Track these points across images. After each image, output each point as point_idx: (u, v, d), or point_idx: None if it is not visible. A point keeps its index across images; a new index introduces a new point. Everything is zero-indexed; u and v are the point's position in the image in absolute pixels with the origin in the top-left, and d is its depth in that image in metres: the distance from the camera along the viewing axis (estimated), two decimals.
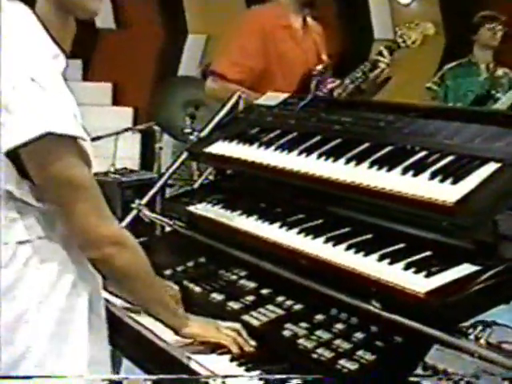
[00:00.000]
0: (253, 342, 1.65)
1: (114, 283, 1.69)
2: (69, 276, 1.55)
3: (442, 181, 1.61)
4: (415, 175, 1.67)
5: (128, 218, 2.43)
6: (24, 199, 1.50)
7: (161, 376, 1.45)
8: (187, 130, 4.33)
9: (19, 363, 1.49)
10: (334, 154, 1.91)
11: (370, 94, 3.01)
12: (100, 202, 1.52)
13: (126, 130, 4.93)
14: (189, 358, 1.62)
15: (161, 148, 4.86)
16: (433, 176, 1.63)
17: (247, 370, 1.55)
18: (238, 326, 1.68)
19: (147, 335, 1.73)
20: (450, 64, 4.62)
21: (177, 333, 1.65)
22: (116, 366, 2.52)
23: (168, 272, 2.08)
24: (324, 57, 3.16)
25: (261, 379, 1.45)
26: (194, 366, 1.60)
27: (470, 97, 4.26)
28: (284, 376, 1.40)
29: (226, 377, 1.42)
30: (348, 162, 1.85)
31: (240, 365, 1.58)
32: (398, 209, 1.67)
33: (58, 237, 1.54)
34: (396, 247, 1.65)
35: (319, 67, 2.99)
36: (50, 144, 1.43)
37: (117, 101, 6.98)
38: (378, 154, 1.83)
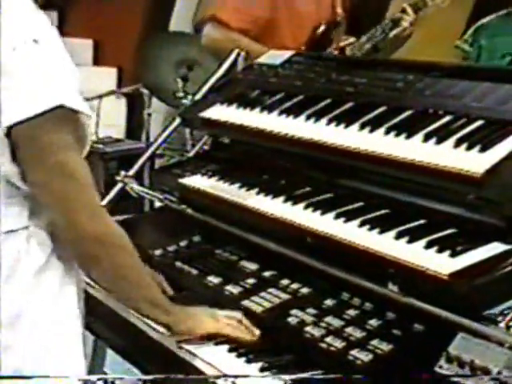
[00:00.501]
0: (257, 331, 1.65)
1: (100, 284, 1.69)
2: (55, 272, 1.55)
3: (468, 148, 1.60)
4: (438, 142, 1.66)
5: (112, 193, 2.43)
6: (15, 182, 1.49)
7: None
8: (179, 94, 4.32)
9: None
10: (346, 119, 1.90)
11: (386, 53, 3.00)
12: (93, 196, 1.51)
13: (110, 93, 4.92)
14: (181, 348, 1.62)
15: (149, 114, 4.85)
16: (458, 143, 1.62)
17: (248, 361, 1.56)
18: (238, 314, 1.69)
19: (134, 322, 1.74)
20: (485, 19, 4.46)
21: (171, 330, 1.64)
22: (99, 358, 2.54)
23: (158, 252, 2.08)
24: (339, 10, 3.13)
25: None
26: (187, 357, 1.61)
27: (508, 58, 4.14)
28: (299, 376, 1.40)
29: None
30: (362, 127, 1.85)
31: (239, 356, 1.58)
32: (419, 180, 1.67)
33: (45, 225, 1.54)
34: (416, 223, 1.65)
35: (333, 21, 2.97)
36: (55, 119, 1.41)
37: (98, 60, 6.94)
38: (396, 119, 1.82)
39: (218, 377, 1.47)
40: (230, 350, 1.60)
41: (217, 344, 1.63)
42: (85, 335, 1.70)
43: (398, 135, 1.75)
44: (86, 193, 1.50)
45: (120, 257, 1.56)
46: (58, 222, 1.51)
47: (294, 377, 1.43)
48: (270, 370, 1.51)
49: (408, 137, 1.73)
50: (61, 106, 1.43)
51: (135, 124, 5.97)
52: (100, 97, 4.71)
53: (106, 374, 2.61)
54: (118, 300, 1.70)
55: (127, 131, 6.41)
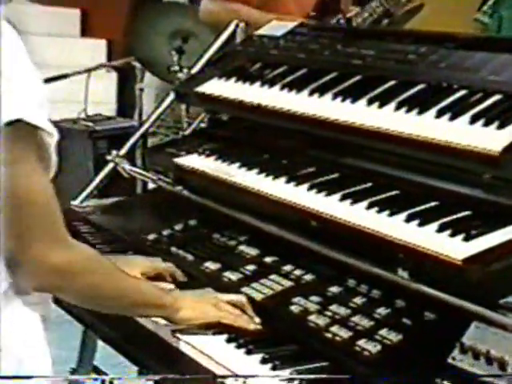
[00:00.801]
0: (257, 319, 1.66)
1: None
2: None
3: (485, 125, 1.60)
4: (452, 119, 1.66)
5: (102, 173, 2.44)
6: None
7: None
8: (174, 67, 4.30)
9: None
10: (353, 94, 1.90)
11: (396, 24, 2.99)
12: (56, 222, 1.44)
13: (99, 67, 4.90)
14: (178, 339, 1.62)
15: (142, 89, 4.83)
16: (474, 119, 1.62)
17: (247, 352, 1.56)
18: (243, 298, 1.69)
19: None
20: None
21: (170, 321, 1.65)
22: (88, 351, 2.54)
23: (152, 237, 2.09)
24: None
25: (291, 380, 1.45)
26: (184, 348, 1.62)
27: None
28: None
29: (246, 377, 1.42)
30: (370, 103, 1.85)
31: (239, 346, 1.58)
32: (431, 159, 1.67)
33: None
34: (428, 205, 1.65)
35: None
36: (13, 135, 1.36)
37: (86, 31, 6.93)
38: (407, 94, 1.82)
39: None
40: (229, 341, 1.60)
41: (215, 334, 1.64)
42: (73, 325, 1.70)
43: (408, 111, 1.75)
44: (51, 218, 1.43)
45: (87, 280, 1.52)
46: (15, 252, 1.42)
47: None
48: (271, 361, 1.51)
49: (420, 112, 1.72)
50: (19, 120, 1.37)
51: (126, 100, 5.97)
52: (88, 71, 4.70)
53: (95, 368, 2.62)
54: (109, 312, 1.69)
55: (118, 108, 6.41)
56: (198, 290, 1.75)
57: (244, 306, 1.68)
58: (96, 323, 1.87)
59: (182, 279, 1.86)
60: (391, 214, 1.63)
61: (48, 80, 4.44)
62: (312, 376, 1.43)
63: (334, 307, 1.62)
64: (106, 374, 2.62)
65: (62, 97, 4.98)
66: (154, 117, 2.53)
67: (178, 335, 1.63)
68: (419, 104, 1.74)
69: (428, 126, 1.67)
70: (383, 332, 1.52)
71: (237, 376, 1.44)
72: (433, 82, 1.82)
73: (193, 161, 2.18)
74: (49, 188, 1.44)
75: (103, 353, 2.45)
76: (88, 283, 1.54)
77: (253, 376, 1.43)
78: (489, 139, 1.55)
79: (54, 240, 1.46)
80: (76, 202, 2.40)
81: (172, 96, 2.48)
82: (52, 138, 1.44)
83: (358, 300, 1.63)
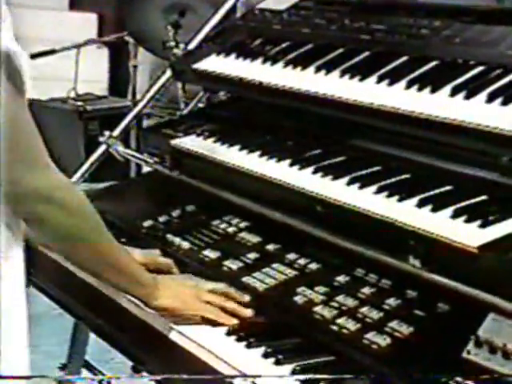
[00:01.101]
0: (248, 311, 1.66)
1: (53, 248, 1.69)
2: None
3: (503, 104, 1.60)
4: (468, 97, 1.66)
5: (94, 156, 2.44)
6: None
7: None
8: (170, 43, 4.30)
9: None
10: (362, 72, 1.90)
11: None
12: (32, 146, 1.47)
13: (89, 42, 4.89)
14: (177, 332, 1.63)
15: (135, 67, 4.84)
16: (491, 98, 1.62)
17: (248, 345, 1.56)
18: (223, 286, 1.70)
19: (121, 302, 1.75)
20: None
21: (147, 305, 1.66)
22: (79, 344, 2.55)
23: (147, 224, 2.09)
24: None
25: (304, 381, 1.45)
26: (181, 341, 1.62)
27: None
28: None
29: (254, 377, 1.43)
30: (379, 80, 1.84)
31: (239, 339, 1.59)
32: (445, 140, 1.67)
33: None
34: (441, 190, 1.65)
35: None
36: None
37: (75, 4, 6.91)
38: (420, 71, 1.81)
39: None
40: (229, 333, 1.61)
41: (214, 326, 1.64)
42: (63, 316, 1.71)
43: (421, 89, 1.75)
44: (27, 142, 1.46)
45: (71, 216, 1.54)
46: None
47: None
48: (273, 355, 1.52)
49: (433, 91, 1.72)
50: None
51: (119, 78, 5.96)
52: (78, 47, 4.69)
53: (87, 363, 2.63)
54: (80, 267, 1.68)
55: (110, 87, 6.40)
56: (178, 276, 1.75)
57: (228, 296, 1.68)
58: (88, 315, 1.88)
59: (176, 273, 1.85)
60: (402, 199, 1.63)
61: (34, 56, 4.43)
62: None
63: (340, 298, 1.63)
64: (97, 370, 2.63)
65: (49, 74, 4.98)
66: (148, 96, 2.52)
67: (177, 328, 1.64)
68: (432, 82, 1.74)
69: (442, 105, 1.66)
70: (393, 324, 1.52)
71: (245, 376, 1.44)
72: (447, 58, 1.82)
73: (191, 142, 2.18)
74: (24, 110, 1.46)
75: (95, 347, 2.47)
76: (72, 219, 1.54)
77: (262, 376, 1.43)
78: (507, 119, 1.55)
79: (33, 164, 1.47)
80: None
81: (168, 73, 2.48)
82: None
83: (367, 290, 1.63)
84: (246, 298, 1.69)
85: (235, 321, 1.65)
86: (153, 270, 1.77)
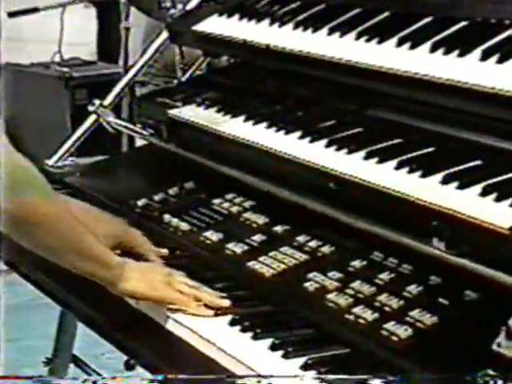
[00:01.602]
0: (225, 302, 1.66)
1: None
2: None
3: None
4: (501, 61, 1.65)
5: (82, 128, 2.44)
6: None
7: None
8: (166, 3, 4.28)
9: None
10: (380, 34, 1.90)
11: None
12: None
13: (75, 0, 4.87)
14: (175, 321, 1.64)
15: (127, 29, 4.82)
16: None
17: (255, 337, 1.57)
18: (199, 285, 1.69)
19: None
20: None
21: (114, 288, 1.67)
22: (66, 336, 2.56)
23: (141, 203, 2.10)
24: None
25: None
26: (180, 332, 1.63)
27: None
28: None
29: (268, 377, 1.43)
30: (400, 43, 1.84)
31: (244, 330, 1.59)
32: (474, 110, 1.67)
33: None
34: (469, 165, 1.65)
35: None
36: None
37: None
38: (446, 33, 1.81)
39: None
40: (233, 323, 1.61)
41: (217, 315, 1.65)
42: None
43: (447, 53, 1.74)
44: None
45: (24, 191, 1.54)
46: None
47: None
48: (282, 348, 1.52)
49: (461, 55, 1.71)
50: None
51: (109, 42, 5.94)
52: (63, 5, 4.67)
53: (75, 358, 2.64)
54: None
55: (99, 51, 6.38)
56: (145, 263, 1.76)
57: (199, 290, 1.68)
58: (76, 303, 1.89)
59: (164, 253, 1.86)
60: (425, 175, 1.63)
61: (13, 14, 4.40)
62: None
63: (356, 284, 1.63)
64: (86, 365, 2.64)
65: (31, 36, 4.96)
66: (142, 61, 2.52)
67: (174, 317, 1.64)
68: (460, 44, 1.74)
69: (471, 70, 1.66)
70: (415, 314, 1.52)
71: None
72: (478, 18, 1.81)
73: (190, 113, 2.18)
74: None
75: (84, 340, 2.48)
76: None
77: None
78: None
79: None
80: (51, 162, 2.41)
81: (164, 36, 2.48)
82: None
83: (385, 276, 1.63)
84: (225, 302, 1.67)
85: (210, 312, 1.65)
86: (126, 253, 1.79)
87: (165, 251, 1.87)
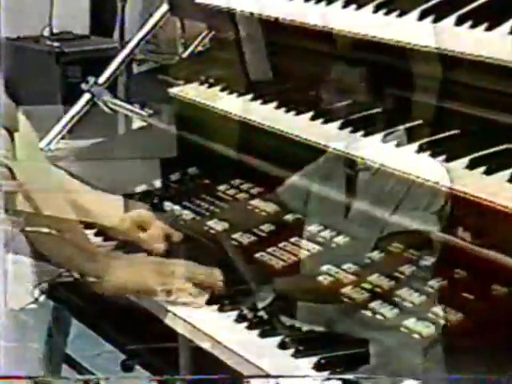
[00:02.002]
0: (217, 272, 1.67)
1: None
2: None
3: None
4: None
5: (75, 108, 2.44)
6: None
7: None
8: None
9: None
10: (401, 6, 1.89)
11: None
12: None
13: None
14: (172, 313, 1.65)
15: (124, 0, 4.83)
16: None
17: (262, 334, 1.57)
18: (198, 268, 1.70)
19: None
20: None
21: (102, 281, 1.68)
22: (60, 333, 2.57)
23: (140, 189, 2.10)
24: None
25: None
26: (179, 328, 1.64)
27: None
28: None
29: (278, 377, 1.44)
30: (423, 16, 1.83)
31: (250, 327, 1.60)
32: (505, 90, 1.65)
33: None
34: (497, 148, 1.64)
35: None
36: None
37: None
38: (476, 3, 1.79)
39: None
40: (239, 319, 1.62)
41: (221, 311, 1.65)
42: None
43: (474, 26, 1.73)
44: None
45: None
46: None
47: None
48: (292, 346, 1.52)
49: (489, 28, 1.70)
50: None
51: (103, 14, 5.94)
52: None
53: (69, 358, 2.65)
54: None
55: (92, 24, 6.37)
56: (135, 254, 1.77)
57: (194, 274, 1.69)
58: (70, 298, 1.90)
59: (177, 238, 1.87)
60: (449, 159, 1.63)
61: None
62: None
63: (373, 278, 1.64)
64: (82, 366, 2.65)
65: (18, 7, 4.97)
66: (139, 35, 2.52)
67: (174, 311, 1.65)
68: (488, 18, 1.73)
69: (497, 45, 1.65)
70: (438, 309, 1.53)
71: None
72: None
73: (192, 91, 2.18)
74: None
75: (79, 338, 2.48)
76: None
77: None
78: None
79: None
80: (42, 145, 2.41)
81: (164, 8, 2.48)
82: None
83: (405, 269, 1.64)
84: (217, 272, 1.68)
85: (205, 298, 1.66)
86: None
87: (179, 234, 1.87)
